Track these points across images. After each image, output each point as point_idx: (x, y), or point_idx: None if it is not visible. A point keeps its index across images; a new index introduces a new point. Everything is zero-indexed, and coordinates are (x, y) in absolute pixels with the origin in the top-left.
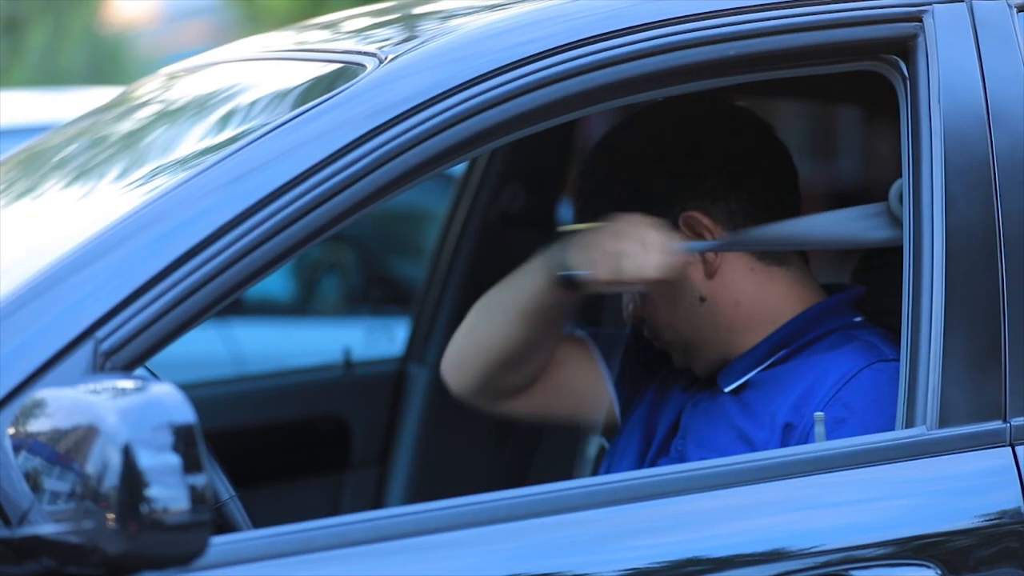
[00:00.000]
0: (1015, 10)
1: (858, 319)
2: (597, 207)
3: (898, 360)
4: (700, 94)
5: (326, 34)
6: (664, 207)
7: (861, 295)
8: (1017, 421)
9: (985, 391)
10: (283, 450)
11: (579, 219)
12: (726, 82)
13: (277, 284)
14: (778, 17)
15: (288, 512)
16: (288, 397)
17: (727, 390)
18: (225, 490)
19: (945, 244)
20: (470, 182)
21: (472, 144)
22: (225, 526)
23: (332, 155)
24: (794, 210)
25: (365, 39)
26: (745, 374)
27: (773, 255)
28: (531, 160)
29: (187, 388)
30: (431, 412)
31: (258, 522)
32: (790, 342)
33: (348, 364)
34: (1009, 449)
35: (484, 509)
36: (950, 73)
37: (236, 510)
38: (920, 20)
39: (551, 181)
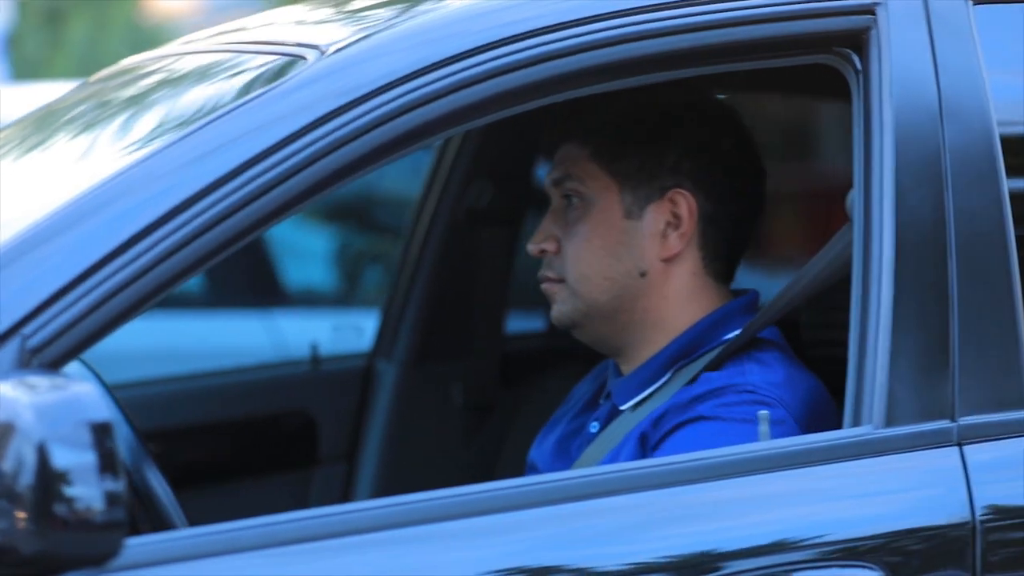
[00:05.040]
0: (971, 3)
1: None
2: (597, 132)
3: (760, 388)
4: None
5: (276, 27)
6: (655, 170)
7: (755, 299)
8: (965, 420)
9: (933, 390)
10: (250, 446)
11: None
12: (678, 75)
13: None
14: (729, 9)
15: (254, 509)
16: (255, 393)
17: (623, 408)
18: (160, 488)
19: (895, 241)
20: (438, 177)
21: (419, 135)
22: (161, 525)
23: (269, 148)
24: (751, 223)
25: (313, 31)
26: (641, 391)
27: (718, 269)
28: (498, 156)
29: (153, 384)
30: (398, 408)
31: (224, 519)
32: (686, 355)
33: (315, 359)
34: (956, 449)
35: (406, 510)
36: (902, 67)
37: (172, 509)
38: (873, 13)
39: (518, 177)
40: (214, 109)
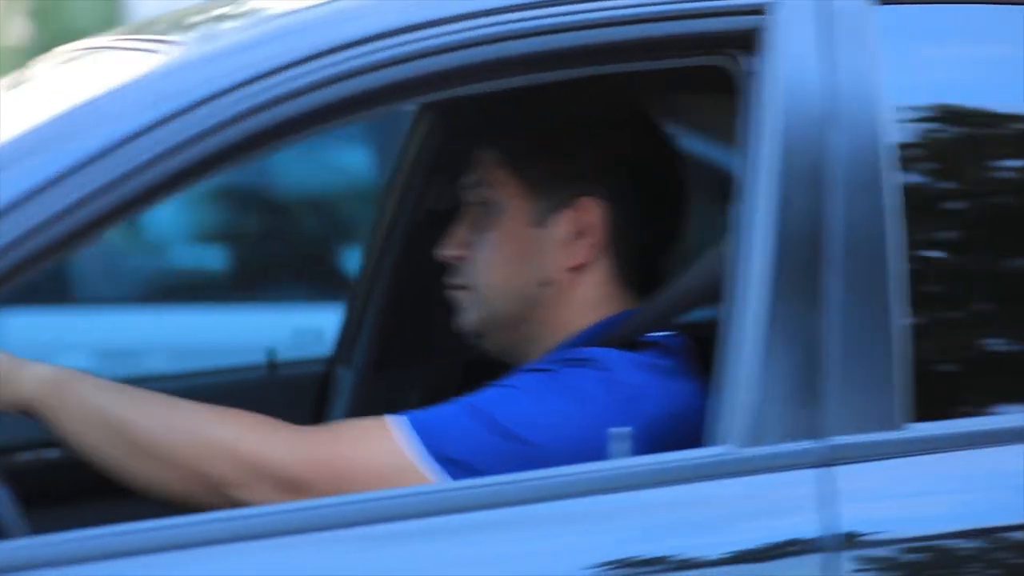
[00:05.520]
0: (875, 3)
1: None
2: (508, 138)
3: (606, 359)
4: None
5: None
6: (565, 178)
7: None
8: (835, 441)
9: (802, 408)
10: None
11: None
12: (561, 76)
13: None
14: (614, 8)
15: None
16: (209, 398)
17: None
18: None
19: (771, 251)
20: (398, 179)
21: (288, 130)
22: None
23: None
24: (668, 233)
25: (185, 29)
26: None
27: (631, 279)
28: (458, 157)
29: None
30: (356, 415)
31: None
32: None
33: (272, 365)
34: (823, 470)
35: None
36: (792, 70)
37: (9, 519)
38: (764, 12)
39: None
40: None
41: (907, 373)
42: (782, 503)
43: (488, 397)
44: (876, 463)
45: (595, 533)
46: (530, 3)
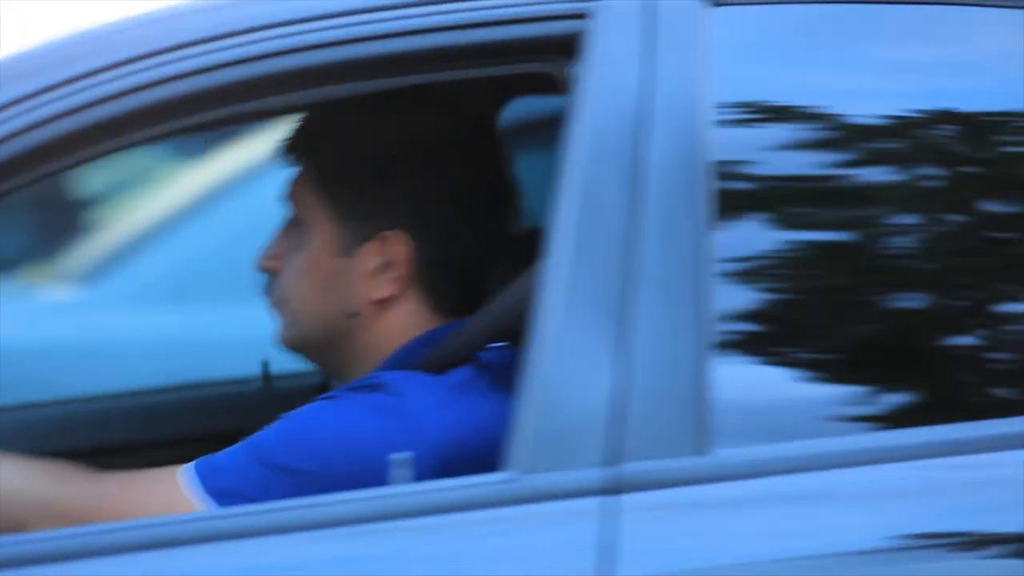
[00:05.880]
0: (710, 5)
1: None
2: (321, 160)
3: (393, 383)
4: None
5: None
6: (373, 207)
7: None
8: (630, 467)
9: (596, 431)
10: None
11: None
12: (376, 86)
13: None
14: (431, 14)
15: None
16: (203, 411)
17: None
18: None
19: (573, 263)
20: None
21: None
22: None
23: None
24: (492, 260)
25: None
26: None
27: (449, 307)
28: None
29: (97, 400)
30: None
31: None
32: None
33: (266, 377)
34: (608, 498)
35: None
36: (609, 75)
37: None
38: (586, 17)
39: None
40: None
41: (716, 395)
42: (558, 534)
43: (267, 430)
44: (672, 490)
45: (359, 565)
46: (345, 11)
